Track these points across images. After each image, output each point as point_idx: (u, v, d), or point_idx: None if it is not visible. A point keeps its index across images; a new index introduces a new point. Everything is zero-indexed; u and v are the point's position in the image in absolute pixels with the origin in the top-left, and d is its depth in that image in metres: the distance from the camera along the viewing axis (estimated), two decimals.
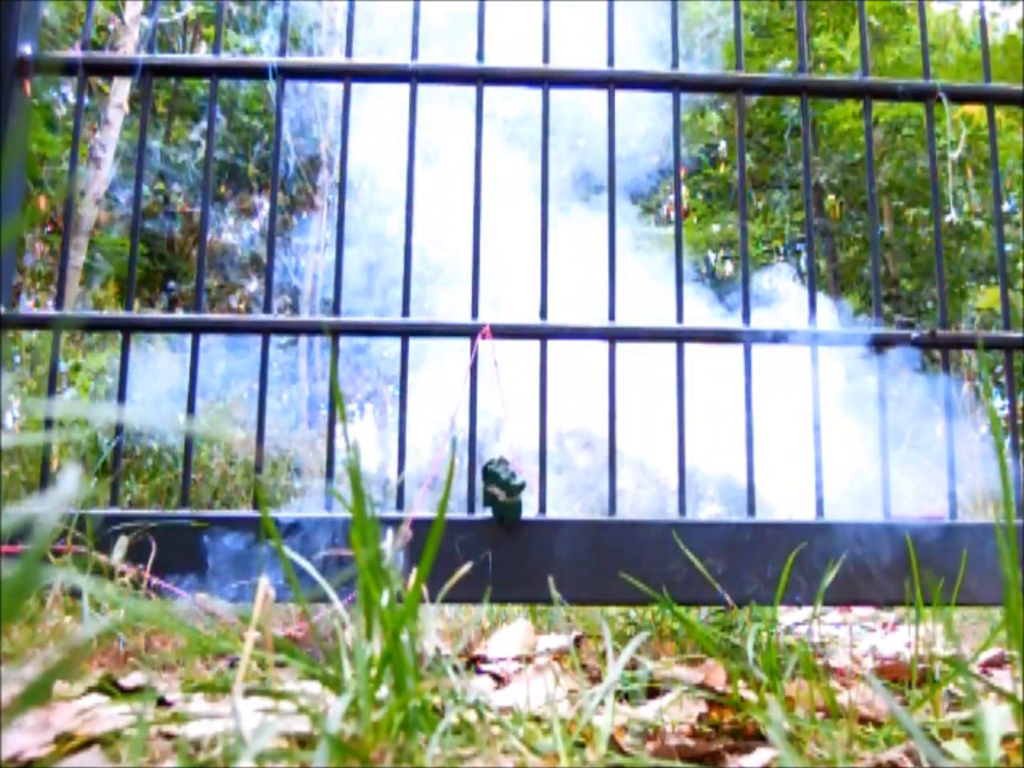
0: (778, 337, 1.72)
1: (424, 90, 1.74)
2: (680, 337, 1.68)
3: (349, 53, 1.75)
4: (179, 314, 1.85)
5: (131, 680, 0.88)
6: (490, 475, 1.51)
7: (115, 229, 11.31)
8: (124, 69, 1.77)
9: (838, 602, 1.66)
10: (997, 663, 1.36)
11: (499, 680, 1.20)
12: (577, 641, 1.63)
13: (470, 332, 1.65)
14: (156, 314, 1.69)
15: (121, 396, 1.65)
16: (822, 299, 1.74)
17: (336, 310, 1.67)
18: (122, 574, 1.36)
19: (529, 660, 1.35)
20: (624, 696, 0.85)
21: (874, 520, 1.62)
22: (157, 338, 7.06)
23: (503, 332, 1.65)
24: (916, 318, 11.86)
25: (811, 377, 1.70)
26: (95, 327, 1.76)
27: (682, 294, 1.71)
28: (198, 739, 0.61)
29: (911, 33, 12.15)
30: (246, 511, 1.62)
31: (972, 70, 10.07)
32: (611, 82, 1.75)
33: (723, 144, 13.20)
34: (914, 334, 1.73)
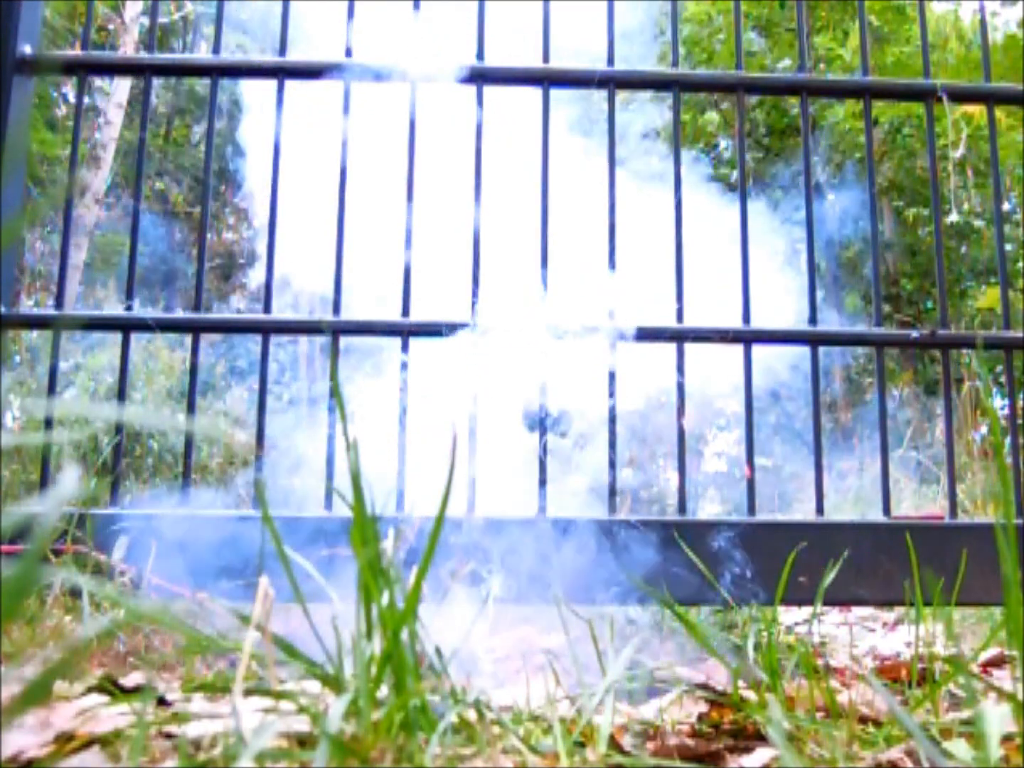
0: (778, 337, 1.72)
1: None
2: (680, 337, 1.68)
3: (349, 53, 1.75)
4: (179, 314, 1.85)
5: (131, 680, 0.88)
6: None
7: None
8: (124, 69, 1.77)
9: (839, 602, 1.67)
10: (997, 663, 1.36)
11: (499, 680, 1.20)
12: (578, 641, 1.63)
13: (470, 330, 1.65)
14: (156, 313, 1.69)
15: (121, 395, 1.65)
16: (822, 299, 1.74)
17: (336, 310, 1.67)
18: (122, 574, 1.36)
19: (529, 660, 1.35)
20: (624, 696, 0.85)
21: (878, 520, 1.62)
22: (157, 337, 7.06)
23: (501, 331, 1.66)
24: (916, 318, 11.86)
25: (811, 377, 1.70)
26: (95, 327, 1.76)
27: (682, 294, 1.71)
28: (198, 739, 0.61)
29: (911, 33, 12.14)
30: (246, 511, 1.62)
31: (972, 70, 10.07)
32: (611, 82, 1.75)
33: (723, 144, 13.20)
34: (914, 334, 1.73)
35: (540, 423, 1.57)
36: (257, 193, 1.77)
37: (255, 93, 1.82)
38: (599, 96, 1.78)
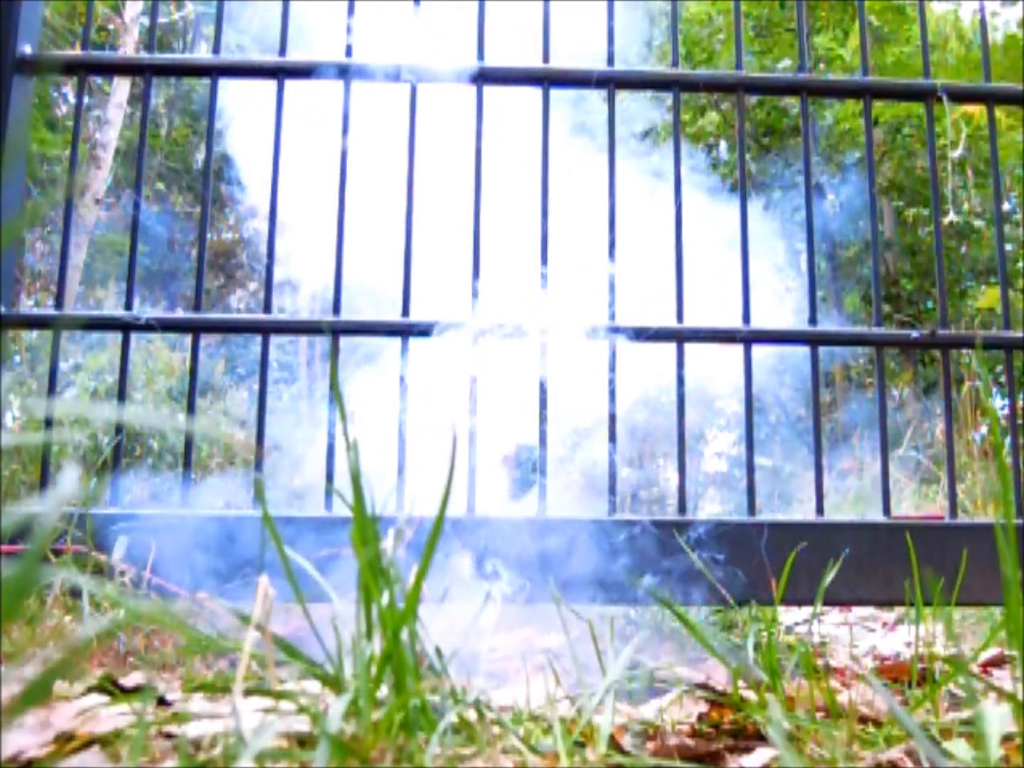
0: (778, 337, 1.72)
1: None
2: (680, 337, 1.68)
3: (349, 53, 1.75)
4: (179, 314, 1.85)
5: (131, 680, 0.88)
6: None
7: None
8: (124, 69, 1.77)
9: (839, 602, 1.67)
10: (997, 663, 1.36)
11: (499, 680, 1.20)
12: (578, 641, 1.63)
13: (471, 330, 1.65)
14: (156, 313, 1.69)
15: (121, 395, 1.65)
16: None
17: (336, 310, 1.67)
18: (122, 574, 1.36)
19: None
20: (624, 695, 0.85)
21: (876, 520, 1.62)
22: (157, 337, 7.06)
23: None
24: (916, 318, 11.86)
25: (810, 377, 1.70)
26: (95, 327, 1.76)
27: (682, 294, 1.71)
28: (198, 739, 0.61)
29: (911, 33, 12.14)
30: (247, 511, 1.62)
31: (972, 70, 10.07)
32: (611, 82, 1.75)
33: (723, 144, 13.19)
34: (914, 334, 1.73)
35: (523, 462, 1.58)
36: (258, 194, 1.76)
37: (247, 93, 1.82)
38: (597, 96, 1.78)
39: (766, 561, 1.54)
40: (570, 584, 1.49)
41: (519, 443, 1.55)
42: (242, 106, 1.87)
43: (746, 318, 1.71)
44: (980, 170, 11.25)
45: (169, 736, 0.67)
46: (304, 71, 1.75)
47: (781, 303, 1.78)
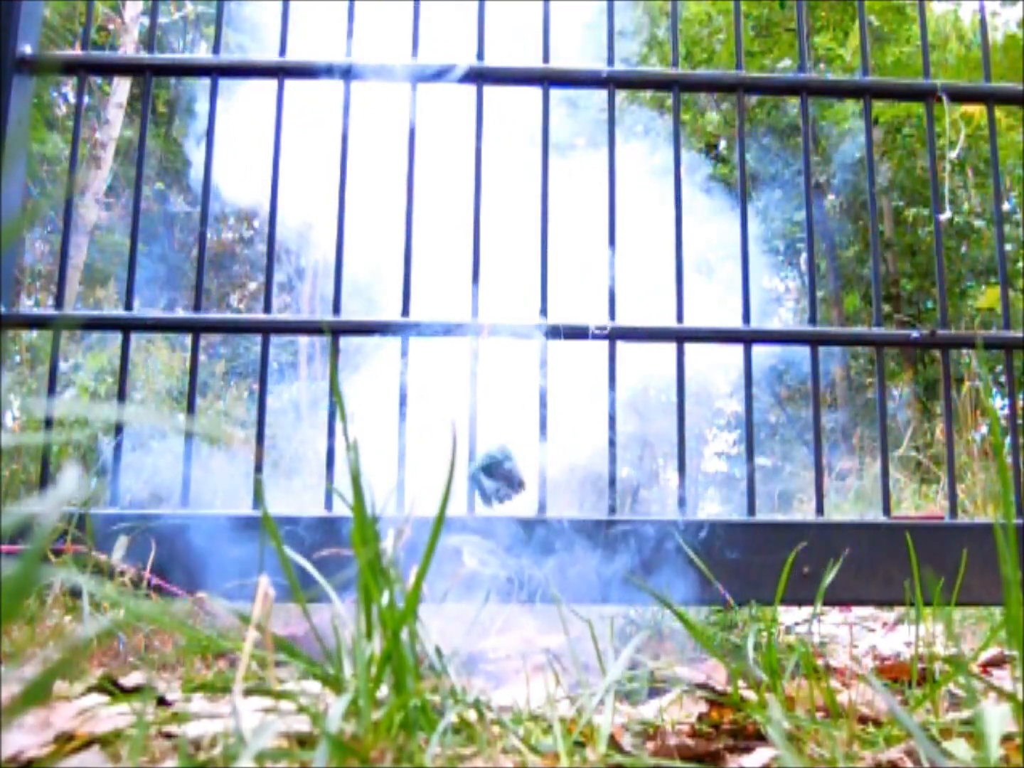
0: (778, 337, 1.72)
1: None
2: (680, 337, 1.68)
3: (349, 53, 1.75)
4: (179, 313, 1.85)
5: (131, 680, 0.88)
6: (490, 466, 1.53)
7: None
8: (124, 69, 1.76)
9: (839, 602, 1.67)
10: (997, 663, 1.36)
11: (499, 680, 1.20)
12: (578, 641, 1.63)
13: (470, 331, 1.65)
14: (156, 313, 1.69)
15: (121, 395, 1.65)
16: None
17: (336, 310, 1.67)
18: (122, 574, 1.36)
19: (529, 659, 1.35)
20: (624, 695, 0.85)
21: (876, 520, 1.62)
22: (157, 338, 7.06)
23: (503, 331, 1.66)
24: (916, 318, 11.86)
25: (810, 377, 1.70)
26: (95, 327, 1.76)
27: (682, 294, 1.71)
28: (198, 738, 0.61)
29: (911, 33, 12.14)
30: (246, 511, 1.62)
31: (972, 70, 10.07)
32: (611, 82, 1.75)
33: (723, 143, 13.19)
34: (914, 334, 1.73)
35: (482, 478, 1.57)
36: (259, 195, 1.76)
37: (247, 93, 1.82)
38: (598, 96, 1.78)
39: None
40: (567, 583, 1.49)
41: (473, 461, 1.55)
42: (243, 106, 1.87)
43: (746, 318, 1.71)
44: (980, 170, 11.25)
45: (169, 736, 0.67)
46: (304, 71, 1.75)
47: (780, 302, 1.77)
